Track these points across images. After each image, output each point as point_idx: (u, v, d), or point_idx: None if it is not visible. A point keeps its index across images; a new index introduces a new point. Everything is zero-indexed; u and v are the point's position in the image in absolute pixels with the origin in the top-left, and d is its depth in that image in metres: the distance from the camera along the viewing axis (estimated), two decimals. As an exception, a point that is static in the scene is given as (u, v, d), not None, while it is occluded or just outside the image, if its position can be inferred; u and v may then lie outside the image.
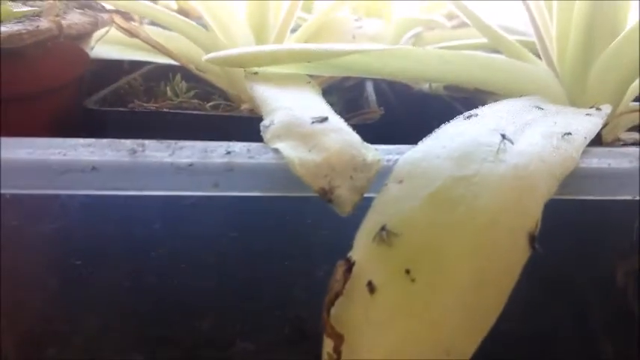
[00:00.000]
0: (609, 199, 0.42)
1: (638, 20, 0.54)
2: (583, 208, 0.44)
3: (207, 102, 0.60)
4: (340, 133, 0.41)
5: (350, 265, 0.35)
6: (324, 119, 0.42)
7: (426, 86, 0.68)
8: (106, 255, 0.47)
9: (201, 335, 0.49)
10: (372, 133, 0.57)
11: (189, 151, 0.39)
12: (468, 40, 0.77)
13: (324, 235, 0.38)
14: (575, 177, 0.39)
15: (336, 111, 0.66)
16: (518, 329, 0.54)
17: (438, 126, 0.45)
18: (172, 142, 0.40)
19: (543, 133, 0.41)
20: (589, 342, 0.55)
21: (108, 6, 0.67)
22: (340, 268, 0.34)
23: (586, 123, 0.45)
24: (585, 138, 0.42)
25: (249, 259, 0.48)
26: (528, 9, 0.65)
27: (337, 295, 0.34)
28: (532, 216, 0.35)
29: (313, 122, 0.42)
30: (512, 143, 0.39)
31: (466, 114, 0.45)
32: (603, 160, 0.41)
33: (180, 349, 0.49)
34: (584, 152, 0.42)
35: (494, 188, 0.36)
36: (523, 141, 0.40)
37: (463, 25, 0.86)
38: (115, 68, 0.75)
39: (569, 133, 0.41)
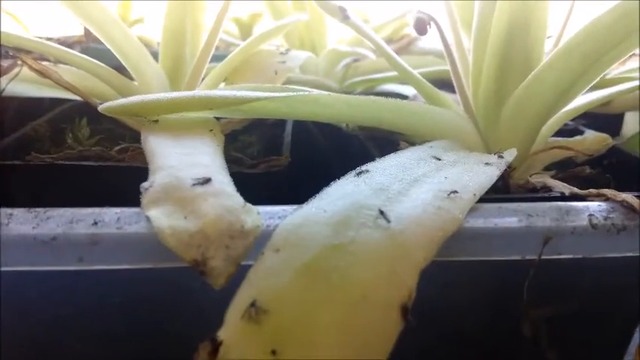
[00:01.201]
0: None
1: (549, 58, 0.53)
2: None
3: (116, 146, 0.58)
4: (220, 197, 0.40)
5: (216, 346, 0.33)
6: (207, 181, 0.41)
7: (343, 125, 0.67)
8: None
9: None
10: (289, 174, 0.56)
11: (55, 222, 0.37)
12: (389, 73, 0.76)
13: (217, 301, 0.36)
14: (459, 238, 0.38)
15: (253, 152, 0.65)
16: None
17: (354, 166, 0.44)
18: (41, 210, 0.38)
19: (429, 191, 0.40)
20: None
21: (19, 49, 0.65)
22: (203, 351, 0.33)
23: (479, 177, 0.44)
24: (475, 195, 0.41)
25: (138, 326, 0.46)
26: (444, 42, 0.64)
27: (201, 379, 0.33)
28: (406, 287, 0.34)
29: (194, 184, 0.40)
30: (387, 210, 0.37)
31: (357, 169, 0.44)
32: (490, 219, 0.41)
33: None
34: (473, 209, 0.41)
35: (368, 258, 0.35)
36: (406, 202, 0.39)
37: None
38: (36, 105, 0.73)
39: (456, 192, 0.40)
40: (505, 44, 0.57)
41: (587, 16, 0.50)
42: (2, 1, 1.07)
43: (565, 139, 0.66)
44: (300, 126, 0.70)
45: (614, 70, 0.81)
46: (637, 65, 0.80)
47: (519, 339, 0.47)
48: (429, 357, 0.53)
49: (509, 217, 0.41)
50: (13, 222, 0.37)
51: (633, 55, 0.79)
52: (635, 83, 0.60)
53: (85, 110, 0.68)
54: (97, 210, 0.38)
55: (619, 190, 0.46)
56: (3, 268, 0.36)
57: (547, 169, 0.63)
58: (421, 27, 0.64)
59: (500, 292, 0.49)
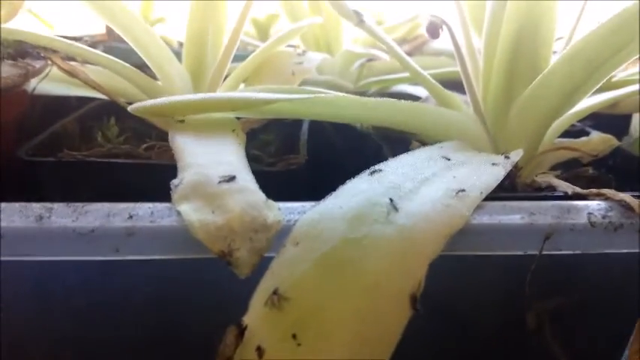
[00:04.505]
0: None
1: (554, 63, 0.55)
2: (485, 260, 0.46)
3: (142, 144, 0.62)
4: (244, 193, 0.43)
5: (241, 330, 0.36)
6: (232, 178, 0.44)
7: (358, 125, 0.70)
8: (22, 313, 0.48)
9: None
10: (306, 171, 0.59)
11: (92, 216, 0.40)
12: (402, 74, 0.79)
13: (243, 290, 0.40)
14: (465, 234, 0.41)
15: (272, 150, 0.68)
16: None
17: (367, 165, 0.47)
18: (79, 205, 0.41)
19: (438, 190, 0.43)
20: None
21: (47, 49, 0.69)
22: (230, 334, 0.36)
23: (486, 176, 0.47)
24: (481, 193, 0.44)
25: (167, 314, 0.49)
26: (455, 46, 0.66)
27: None
28: (415, 277, 0.37)
29: (220, 182, 0.43)
30: (399, 207, 0.40)
31: (372, 169, 0.47)
32: (495, 216, 0.43)
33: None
34: (479, 207, 0.44)
35: (380, 250, 0.38)
36: (416, 200, 0.42)
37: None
38: (64, 104, 0.77)
39: (464, 190, 0.43)
40: (514, 46, 0.59)
41: (600, 16, 0.53)
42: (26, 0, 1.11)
43: (571, 140, 0.69)
44: (317, 125, 0.73)
45: (622, 73, 0.83)
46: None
47: (524, 330, 0.49)
48: (436, 348, 0.56)
49: (513, 215, 0.44)
50: (53, 215, 0.40)
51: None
52: (637, 87, 0.62)
53: (111, 108, 0.71)
54: (131, 205, 0.42)
55: (621, 190, 0.48)
56: (45, 259, 0.40)
57: (554, 168, 0.66)
58: (434, 31, 0.67)
59: (505, 286, 0.52)
